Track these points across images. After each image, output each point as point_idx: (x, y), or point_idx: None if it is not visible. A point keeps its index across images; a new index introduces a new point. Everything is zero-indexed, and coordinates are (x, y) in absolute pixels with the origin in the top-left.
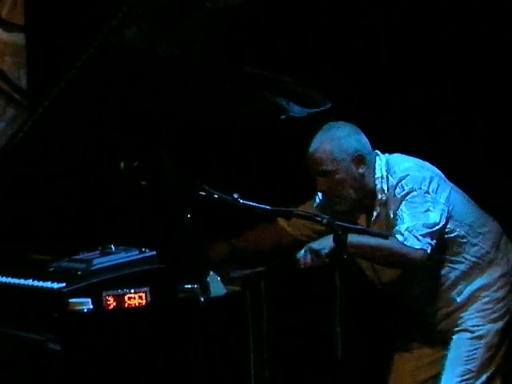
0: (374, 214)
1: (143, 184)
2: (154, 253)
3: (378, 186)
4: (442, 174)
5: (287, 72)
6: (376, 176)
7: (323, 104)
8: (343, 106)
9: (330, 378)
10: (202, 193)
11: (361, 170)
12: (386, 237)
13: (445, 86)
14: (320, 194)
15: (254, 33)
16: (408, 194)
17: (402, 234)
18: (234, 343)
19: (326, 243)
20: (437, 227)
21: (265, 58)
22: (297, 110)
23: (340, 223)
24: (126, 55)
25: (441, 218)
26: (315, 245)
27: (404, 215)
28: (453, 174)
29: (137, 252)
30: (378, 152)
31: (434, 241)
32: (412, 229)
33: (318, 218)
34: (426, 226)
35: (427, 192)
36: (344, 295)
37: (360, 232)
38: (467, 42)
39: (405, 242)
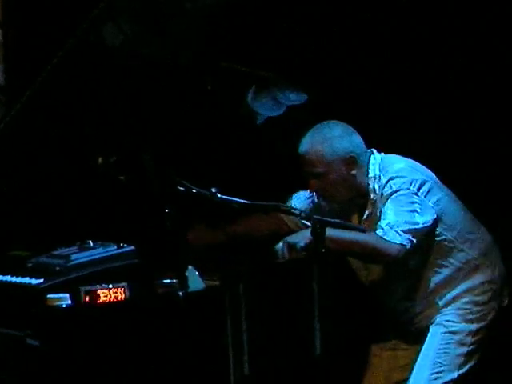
0: (366, 212)
1: (121, 179)
2: (133, 248)
3: (371, 186)
4: (435, 178)
5: (282, 70)
6: (369, 176)
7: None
8: (339, 104)
9: (309, 375)
10: (180, 188)
11: (353, 172)
12: (363, 231)
13: (442, 85)
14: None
15: (243, 31)
16: (395, 192)
17: (382, 229)
18: (212, 338)
19: (301, 236)
20: (420, 226)
21: (256, 56)
22: (294, 98)
23: (318, 217)
24: (105, 52)
25: (426, 220)
26: (291, 238)
27: (388, 211)
28: (446, 176)
29: (115, 247)
30: (374, 151)
31: (416, 239)
32: (393, 224)
33: (296, 212)
34: (408, 222)
35: (416, 194)
36: (322, 290)
37: (337, 226)
38: (466, 41)
39: (384, 237)
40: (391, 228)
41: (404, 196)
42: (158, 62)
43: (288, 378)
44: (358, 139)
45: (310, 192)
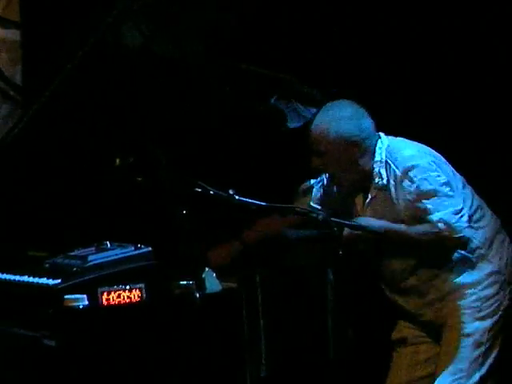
0: (369, 196)
1: (139, 180)
2: (150, 249)
3: (376, 170)
4: (444, 160)
5: (290, 64)
6: (375, 159)
7: (322, 102)
8: (350, 88)
9: (324, 376)
10: (197, 189)
11: (355, 155)
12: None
13: (447, 74)
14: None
15: (253, 31)
16: (420, 185)
17: (437, 226)
18: (229, 339)
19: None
20: (462, 209)
21: (264, 51)
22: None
23: (335, 220)
24: (121, 52)
25: (457, 189)
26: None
27: (428, 206)
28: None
29: (132, 248)
30: (382, 134)
31: (466, 216)
32: (446, 219)
33: (314, 215)
34: (455, 212)
35: (437, 174)
36: (337, 292)
37: (355, 228)
38: (466, 38)
39: (447, 229)
40: (445, 224)
41: (430, 184)
42: (173, 62)
43: (303, 381)
44: (366, 123)
45: (311, 167)
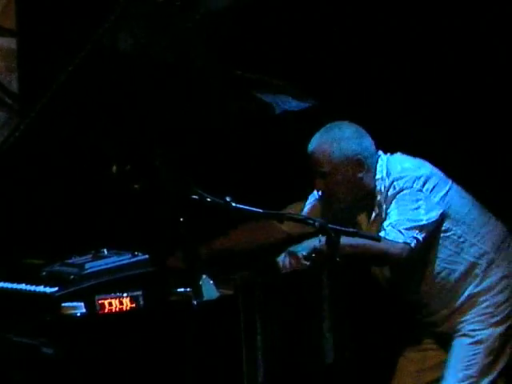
0: (373, 214)
1: (136, 187)
2: (147, 256)
3: (378, 188)
4: (441, 173)
5: (285, 72)
6: (376, 177)
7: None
8: (345, 104)
9: (323, 382)
10: (194, 196)
11: (359, 174)
12: (377, 239)
13: (447, 84)
14: (316, 195)
15: (249, 35)
16: (399, 192)
17: (385, 230)
18: (226, 347)
19: (306, 246)
20: (424, 222)
21: (260, 58)
22: (295, 105)
23: (333, 226)
24: (118, 59)
25: (431, 215)
26: (294, 248)
27: (392, 212)
28: (455, 173)
29: (129, 256)
30: (381, 152)
31: (422, 235)
32: (396, 223)
33: (311, 221)
34: (411, 220)
35: (420, 190)
36: (334, 298)
37: (352, 235)
38: (465, 39)
39: (386, 237)
40: (393, 227)
41: (407, 195)
42: (168, 67)
43: None
44: (367, 142)
45: (316, 191)
